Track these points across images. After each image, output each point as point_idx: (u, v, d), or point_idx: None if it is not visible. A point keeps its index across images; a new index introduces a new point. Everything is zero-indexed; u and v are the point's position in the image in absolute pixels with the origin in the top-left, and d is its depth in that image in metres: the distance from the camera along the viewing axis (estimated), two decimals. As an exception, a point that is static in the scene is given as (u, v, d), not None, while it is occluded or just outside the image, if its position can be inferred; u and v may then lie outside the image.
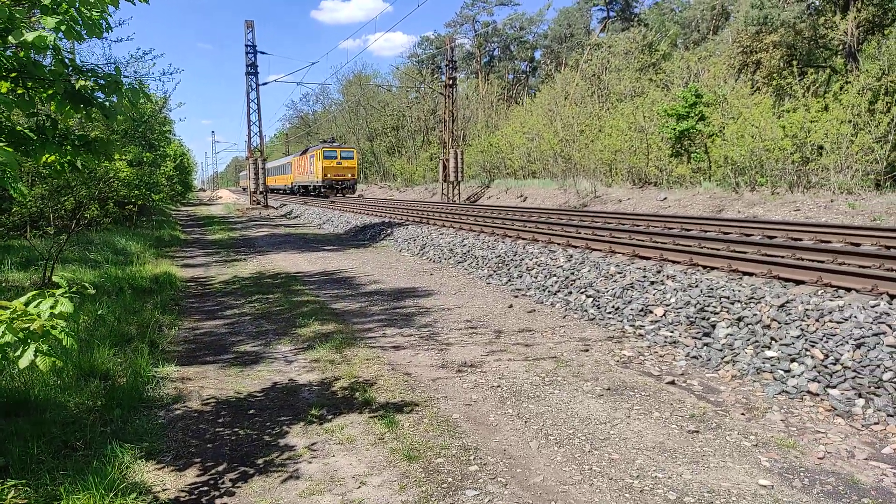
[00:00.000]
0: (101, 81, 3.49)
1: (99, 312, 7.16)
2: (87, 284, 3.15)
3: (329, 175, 39.86)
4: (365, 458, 3.91)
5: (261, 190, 37.27)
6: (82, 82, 3.50)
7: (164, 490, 3.52)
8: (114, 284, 9.07)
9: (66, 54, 3.73)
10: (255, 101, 36.51)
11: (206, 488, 3.55)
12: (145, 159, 15.52)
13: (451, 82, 35.59)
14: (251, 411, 4.76)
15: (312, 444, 4.13)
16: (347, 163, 40.60)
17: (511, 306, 8.35)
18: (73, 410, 4.41)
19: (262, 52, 36.47)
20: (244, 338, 7.07)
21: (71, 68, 3.59)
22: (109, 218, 14.96)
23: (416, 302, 8.81)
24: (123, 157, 13.17)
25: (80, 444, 3.93)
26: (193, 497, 3.45)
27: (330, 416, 4.60)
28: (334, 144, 41.92)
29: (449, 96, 35.26)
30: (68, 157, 4.02)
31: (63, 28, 3.18)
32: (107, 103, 3.72)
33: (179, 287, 10.44)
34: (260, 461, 3.89)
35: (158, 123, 23.94)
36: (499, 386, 5.19)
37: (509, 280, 9.93)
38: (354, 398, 4.96)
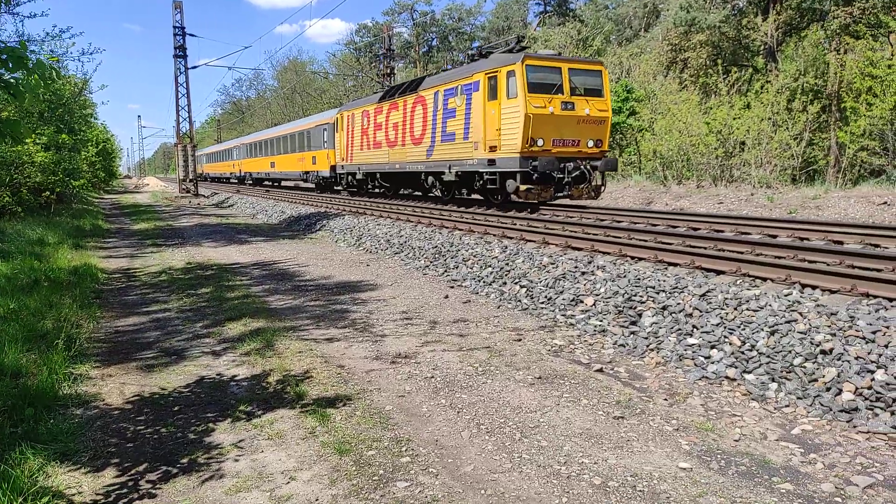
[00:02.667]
0: (3, 56, 3.25)
1: (11, 307, 6.73)
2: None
3: (550, 141, 13.98)
4: (295, 453, 3.84)
5: (190, 177, 35.96)
6: (-19, 59, 3.25)
7: (79, 493, 3.35)
8: (28, 277, 8.56)
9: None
10: (185, 85, 35.14)
11: (124, 490, 3.40)
12: (62, 143, 14.64)
13: (388, 71, 35.33)
14: (175, 408, 4.59)
15: (240, 441, 4.02)
16: (593, 106, 14.33)
17: (447, 297, 8.37)
18: (-21, 411, 4.13)
19: (192, 35, 34.91)
20: (170, 332, 6.81)
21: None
22: (23, 206, 14.07)
23: (351, 293, 8.71)
24: (37, 140, 12.39)
25: (-14, 447, 3.69)
26: (110, 500, 3.30)
27: (259, 412, 4.49)
28: (548, 54, 14.84)
29: (386, 85, 34.95)
30: (-30, 141, 3.73)
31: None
32: (12, 80, 3.47)
33: (101, 280, 9.95)
34: (184, 460, 3.76)
35: (79, 106, 22.69)
36: (432, 377, 5.20)
37: (446, 271, 9.96)
38: (285, 392, 4.86)
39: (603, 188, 15.04)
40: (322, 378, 5.18)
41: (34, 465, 3.49)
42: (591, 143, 14.49)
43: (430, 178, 18.13)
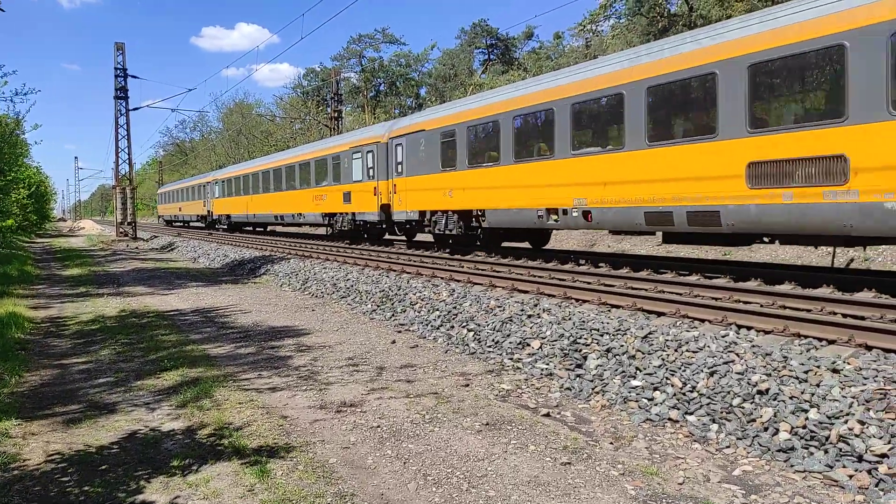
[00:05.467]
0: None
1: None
2: None
3: None
4: (232, 512, 3.65)
5: (128, 221, 34.79)
6: None
7: (-10, 567, 3.08)
8: (-55, 327, 8.02)
9: None
10: (125, 126, 34.33)
11: (43, 561, 3.15)
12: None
13: (336, 115, 35.51)
14: (104, 467, 4.31)
15: (174, 500, 3.80)
16: None
17: (394, 342, 8.27)
18: None
19: (134, 77, 34.32)
20: (101, 385, 6.46)
21: None
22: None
23: (295, 340, 8.50)
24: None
25: None
26: (27, 572, 3.05)
27: (195, 468, 4.27)
28: None
29: (334, 129, 35.08)
30: None
31: None
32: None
33: (28, 329, 9.41)
34: (111, 524, 3.52)
35: (9, 146, 21.79)
36: (379, 426, 5.08)
37: (393, 315, 9.86)
38: (223, 446, 4.64)
39: None
40: (263, 430, 4.99)
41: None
42: None
43: None
